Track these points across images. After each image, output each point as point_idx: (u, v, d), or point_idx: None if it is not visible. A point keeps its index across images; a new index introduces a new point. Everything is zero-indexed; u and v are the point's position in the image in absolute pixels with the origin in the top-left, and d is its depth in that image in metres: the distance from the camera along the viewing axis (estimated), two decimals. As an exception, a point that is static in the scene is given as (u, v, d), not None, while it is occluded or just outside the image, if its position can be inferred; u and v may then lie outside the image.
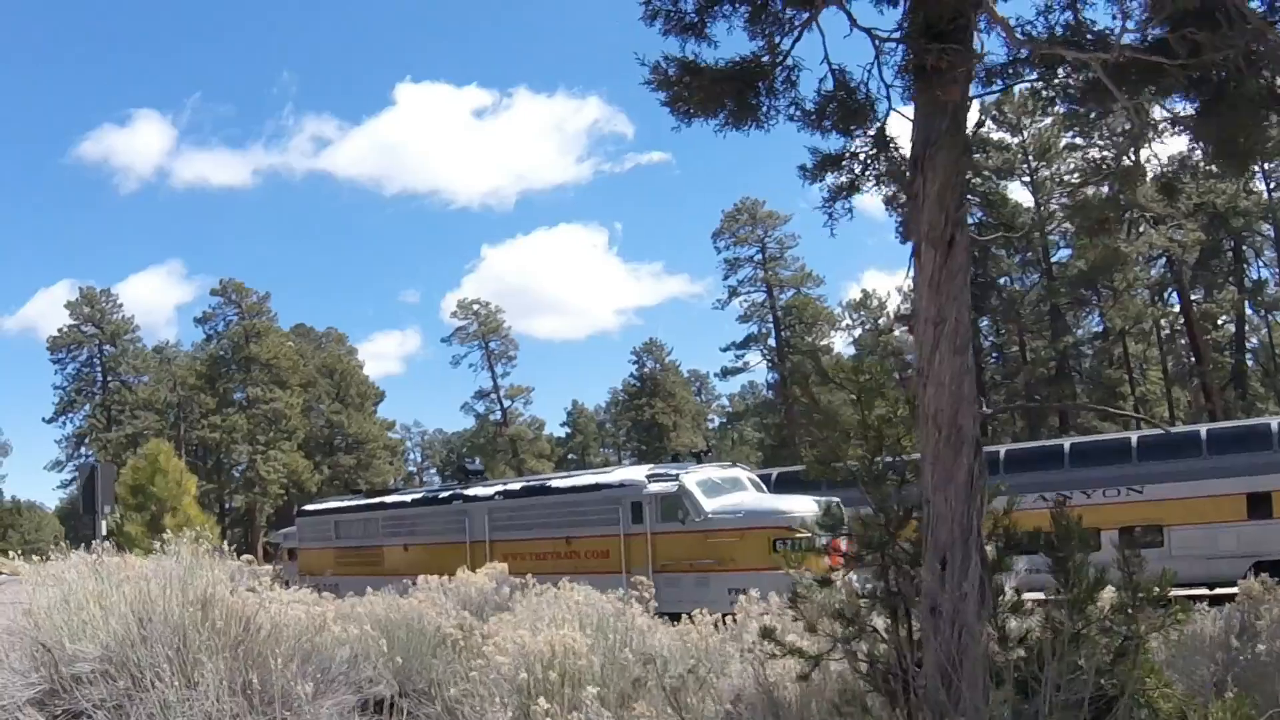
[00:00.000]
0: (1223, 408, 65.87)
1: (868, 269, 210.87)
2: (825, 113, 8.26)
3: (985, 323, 78.56)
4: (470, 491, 30.88)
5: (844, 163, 8.55)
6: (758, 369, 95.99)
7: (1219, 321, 76.30)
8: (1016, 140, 75.49)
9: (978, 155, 75.21)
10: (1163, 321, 75.50)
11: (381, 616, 10.74)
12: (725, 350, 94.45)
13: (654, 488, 25.98)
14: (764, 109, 8.47)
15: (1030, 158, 74.91)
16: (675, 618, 13.79)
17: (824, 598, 7.56)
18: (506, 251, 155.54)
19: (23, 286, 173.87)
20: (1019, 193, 77.24)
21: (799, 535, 24.10)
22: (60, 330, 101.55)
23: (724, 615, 12.55)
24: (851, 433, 7.81)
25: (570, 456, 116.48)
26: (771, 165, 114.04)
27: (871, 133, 8.34)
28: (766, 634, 7.77)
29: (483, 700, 7.66)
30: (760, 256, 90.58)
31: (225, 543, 12.02)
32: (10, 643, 10.19)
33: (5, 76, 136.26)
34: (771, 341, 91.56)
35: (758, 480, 28.06)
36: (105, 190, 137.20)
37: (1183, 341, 74.95)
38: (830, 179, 8.94)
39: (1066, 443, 34.12)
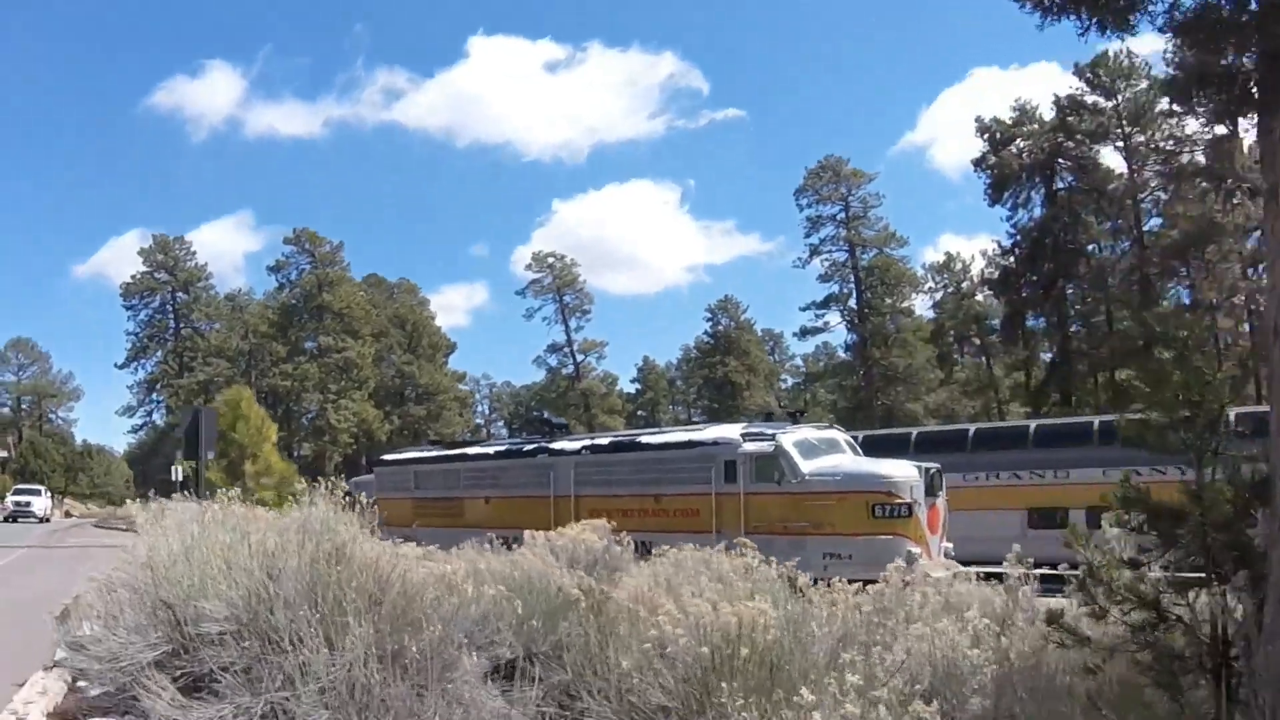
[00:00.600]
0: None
1: (944, 233, 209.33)
2: (1207, 22, 6.89)
3: (1071, 291, 76.74)
4: (556, 445, 30.01)
5: (1227, 82, 7.16)
6: (836, 330, 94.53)
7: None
8: (1110, 104, 73.54)
9: (1070, 118, 73.59)
10: (1257, 296, 73.33)
11: (506, 575, 9.91)
12: (805, 310, 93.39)
13: (749, 447, 24.96)
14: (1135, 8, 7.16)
15: (1124, 122, 72.88)
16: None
17: (1123, 580, 6.38)
18: (577, 206, 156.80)
19: (95, 234, 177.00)
20: (1111, 158, 75.36)
21: (898, 501, 23.32)
22: (134, 277, 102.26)
23: (817, 579, 11.59)
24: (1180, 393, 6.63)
25: (640, 413, 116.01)
26: (849, 123, 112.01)
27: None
28: (1053, 620, 6.56)
29: (656, 676, 6.75)
30: (843, 215, 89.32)
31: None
32: (128, 599, 9.49)
33: (80, 25, 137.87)
34: (852, 303, 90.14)
35: (854, 443, 27.06)
36: (177, 140, 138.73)
37: (1275, 316, 72.50)
38: (1206, 97, 7.57)
39: None
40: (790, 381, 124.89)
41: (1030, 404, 79.68)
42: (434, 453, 35.81)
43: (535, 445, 30.92)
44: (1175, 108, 70.60)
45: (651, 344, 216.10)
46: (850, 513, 23.21)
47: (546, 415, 39.03)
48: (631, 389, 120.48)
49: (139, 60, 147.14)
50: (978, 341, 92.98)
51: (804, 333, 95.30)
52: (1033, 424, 36.63)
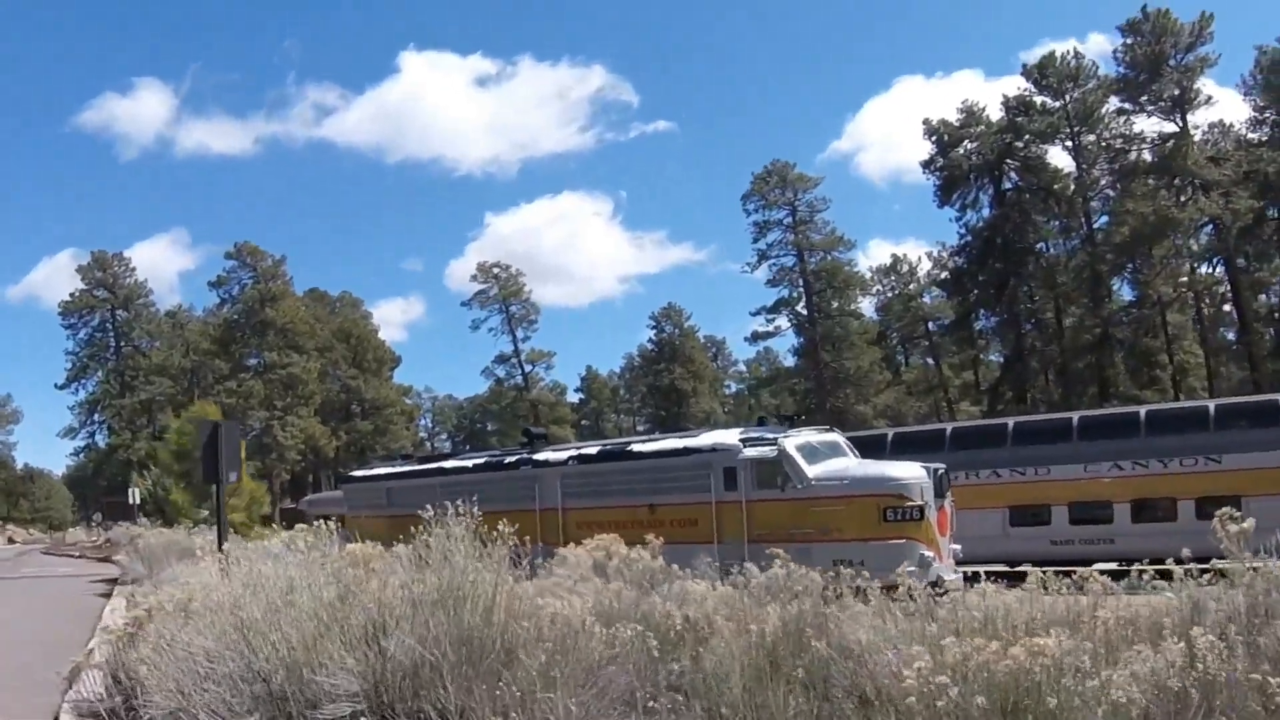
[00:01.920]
0: (1269, 378, 64.41)
1: (872, 238, 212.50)
2: None
3: (1022, 289, 77.21)
4: (541, 456, 29.20)
5: None
6: (783, 334, 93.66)
7: (1266, 292, 74.36)
8: (1059, 104, 74.00)
9: (1020, 119, 74.01)
10: (1204, 291, 73.91)
11: (606, 608, 9.11)
12: (755, 314, 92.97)
13: (750, 452, 24.30)
14: None
15: (1073, 122, 73.31)
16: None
17: None
18: (510, 219, 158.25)
19: (26, 256, 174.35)
20: (1060, 157, 75.89)
21: (909, 503, 22.75)
22: (72, 295, 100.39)
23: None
24: None
25: (584, 423, 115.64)
26: (778, 133, 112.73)
27: None
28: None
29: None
30: (791, 219, 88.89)
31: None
32: (212, 673, 7.63)
33: (6, 44, 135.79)
34: (801, 307, 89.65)
35: (852, 446, 26.50)
36: (106, 159, 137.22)
37: (1226, 309, 73.28)
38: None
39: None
40: (734, 387, 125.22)
41: (984, 403, 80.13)
42: (407, 467, 34.87)
43: (518, 457, 30.03)
44: (1126, 105, 71.79)
45: (587, 354, 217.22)
46: (860, 517, 22.71)
47: (528, 427, 38.14)
48: (574, 399, 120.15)
49: (67, 77, 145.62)
50: (926, 343, 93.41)
51: (755, 337, 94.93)
52: (1011, 422, 36.35)
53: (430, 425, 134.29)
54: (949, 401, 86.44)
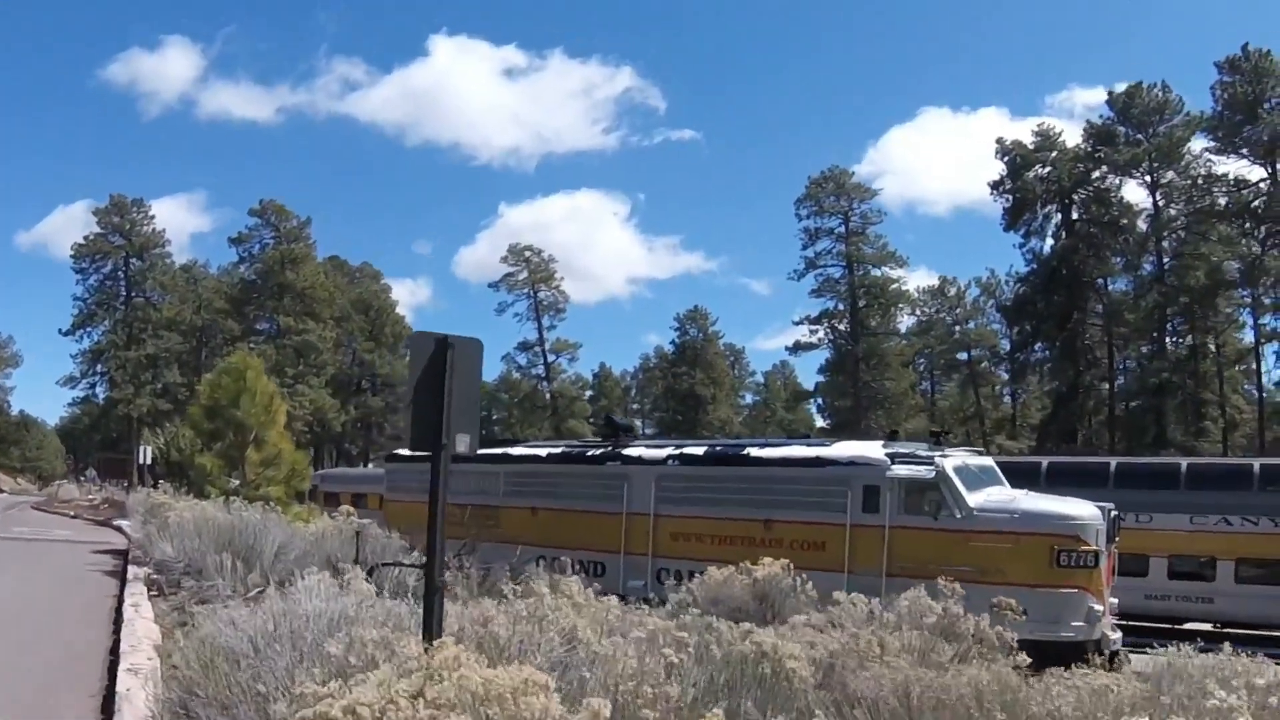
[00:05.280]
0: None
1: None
2: None
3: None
4: (632, 452, 25.48)
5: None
6: (809, 349, 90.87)
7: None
8: (1141, 137, 70.67)
9: (1101, 149, 70.95)
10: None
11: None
12: (798, 324, 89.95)
13: (900, 470, 20.60)
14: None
15: (1153, 158, 69.99)
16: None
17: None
18: (524, 211, 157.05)
19: (40, 203, 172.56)
20: (1134, 192, 72.58)
21: (1086, 548, 19.41)
22: (86, 238, 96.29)
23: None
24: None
25: (591, 420, 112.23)
26: (801, 155, 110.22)
27: None
28: None
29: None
30: (843, 229, 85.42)
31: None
32: None
33: None
34: (844, 322, 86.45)
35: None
36: (130, 114, 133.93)
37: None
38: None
39: None
40: (749, 399, 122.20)
41: (1023, 439, 77.13)
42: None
43: (604, 450, 26.27)
44: (1211, 143, 68.44)
45: (589, 352, 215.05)
46: (1029, 559, 19.20)
47: (611, 416, 34.24)
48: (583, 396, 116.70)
49: (96, 28, 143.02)
50: (965, 371, 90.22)
51: (796, 347, 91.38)
52: (1114, 461, 33.16)
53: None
54: (984, 434, 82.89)
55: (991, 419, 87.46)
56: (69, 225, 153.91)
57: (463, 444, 8.21)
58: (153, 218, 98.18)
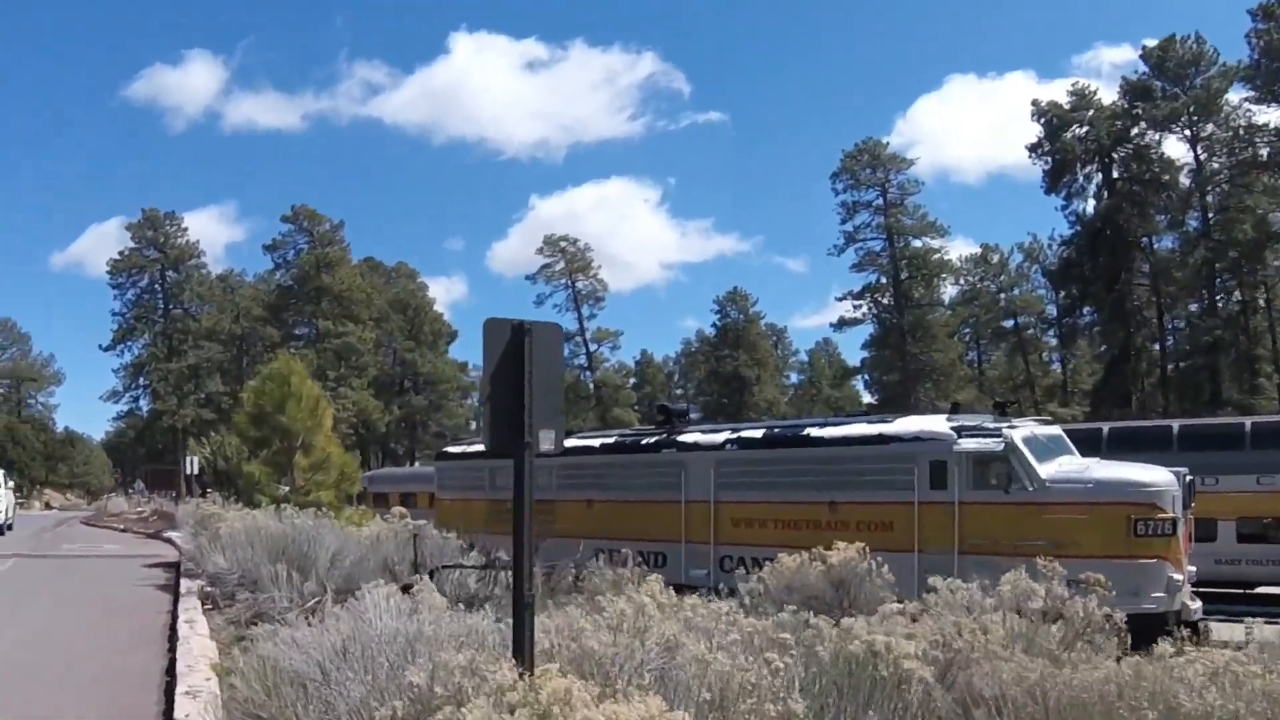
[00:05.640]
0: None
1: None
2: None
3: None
4: (688, 438, 24.85)
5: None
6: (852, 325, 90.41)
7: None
8: (1178, 91, 69.40)
9: (1139, 105, 69.75)
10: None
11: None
12: (840, 300, 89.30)
13: (967, 444, 19.87)
14: None
15: (1192, 111, 68.71)
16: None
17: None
18: (555, 203, 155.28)
19: (73, 224, 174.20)
20: (1175, 148, 71.28)
21: (1163, 516, 18.73)
22: (121, 253, 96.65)
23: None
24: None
25: (635, 408, 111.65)
26: (830, 129, 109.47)
27: None
28: None
29: None
30: (881, 201, 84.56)
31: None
32: None
33: (59, 13, 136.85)
34: (888, 295, 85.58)
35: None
36: (156, 130, 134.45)
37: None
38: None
39: None
40: (794, 378, 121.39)
41: (1075, 405, 75.91)
42: (516, 444, 30.70)
43: (660, 437, 25.65)
44: (1249, 93, 67.11)
45: (630, 340, 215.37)
46: (1105, 529, 18.45)
47: (664, 402, 33.49)
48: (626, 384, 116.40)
49: (118, 47, 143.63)
50: (1013, 339, 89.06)
51: (841, 324, 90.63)
52: (1176, 424, 32.17)
53: (476, 404, 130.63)
54: (1035, 402, 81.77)
55: (1042, 386, 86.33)
56: (103, 243, 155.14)
57: (547, 441, 7.43)
58: (186, 230, 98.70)
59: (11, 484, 43.79)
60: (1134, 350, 71.73)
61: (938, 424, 21.06)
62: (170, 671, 10.95)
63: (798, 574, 14.48)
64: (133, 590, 20.65)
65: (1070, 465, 20.01)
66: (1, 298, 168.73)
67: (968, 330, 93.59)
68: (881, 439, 21.27)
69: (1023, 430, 20.23)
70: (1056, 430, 21.86)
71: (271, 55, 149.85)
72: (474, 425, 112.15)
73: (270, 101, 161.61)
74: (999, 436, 19.69)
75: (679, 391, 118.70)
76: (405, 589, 13.76)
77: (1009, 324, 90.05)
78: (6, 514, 41.82)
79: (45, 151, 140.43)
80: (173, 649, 12.27)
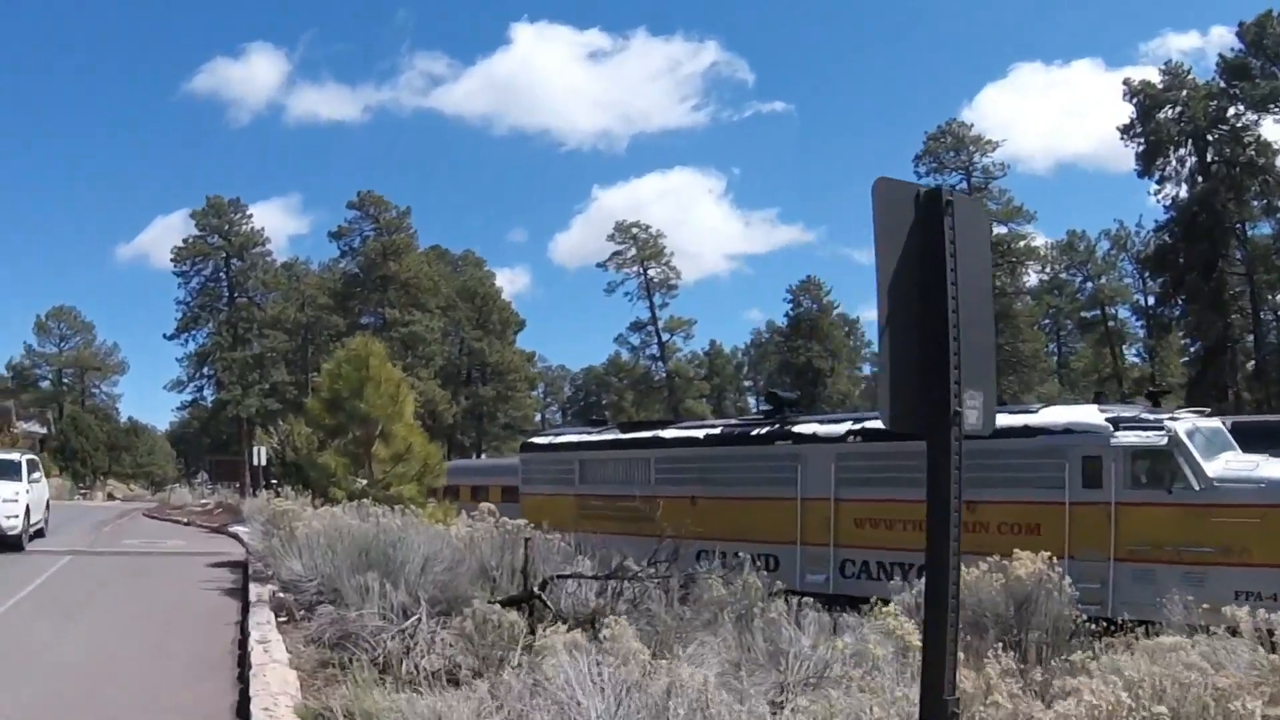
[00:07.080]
0: None
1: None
2: None
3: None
4: (805, 428, 22.83)
5: None
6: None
7: None
8: (1276, 69, 66.62)
9: (1237, 84, 67.00)
10: None
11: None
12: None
13: (1126, 437, 17.74)
14: None
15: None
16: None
17: None
18: (618, 193, 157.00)
19: (137, 218, 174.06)
20: (1271, 129, 68.42)
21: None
22: (186, 241, 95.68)
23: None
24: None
25: (705, 399, 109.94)
26: (895, 118, 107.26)
27: None
28: None
29: None
30: (965, 186, 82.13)
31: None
32: None
33: (121, 8, 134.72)
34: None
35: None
36: (219, 123, 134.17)
37: None
38: None
39: None
40: (868, 369, 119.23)
41: (1186, 397, 73.38)
42: (608, 435, 28.75)
43: (773, 427, 23.67)
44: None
45: (697, 331, 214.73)
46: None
47: (774, 390, 31.36)
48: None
49: (180, 41, 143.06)
50: (1102, 329, 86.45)
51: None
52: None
53: (542, 396, 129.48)
54: (1123, 395, 79.21)
55: (1129, 379, 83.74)
56: (167, 235, 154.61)
57: (973, 409, 5.10)
58: (250, 217, 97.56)
59: (40, 477, 31.96)
60: (1230, 341, 68.98)
61: (1090, 414, 18.95)
62: (243, 712, 9.11)
63: (971, 589, 12.54)
64: (196, 596, 18.80)
65: (1238, 463, 17.91)
66: (67, 290, 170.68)
67: (1048, 321, 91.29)
68: (1027, 431, 19.11)
69: (1186, 422, 18.12)
70: (1217, 423, 19.69)
71: (333, 47, 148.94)
72: (538, 419, 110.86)
73: (333, 93, 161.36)
74: (1161, 429, 17.57)
75: (748, 384, 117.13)
76: (512, 603, 11.98)
77: (1092, 314, 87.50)
78: (32, 516, 28.53)
79: (110, 146, 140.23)
80: (244, 679, 10.40)
